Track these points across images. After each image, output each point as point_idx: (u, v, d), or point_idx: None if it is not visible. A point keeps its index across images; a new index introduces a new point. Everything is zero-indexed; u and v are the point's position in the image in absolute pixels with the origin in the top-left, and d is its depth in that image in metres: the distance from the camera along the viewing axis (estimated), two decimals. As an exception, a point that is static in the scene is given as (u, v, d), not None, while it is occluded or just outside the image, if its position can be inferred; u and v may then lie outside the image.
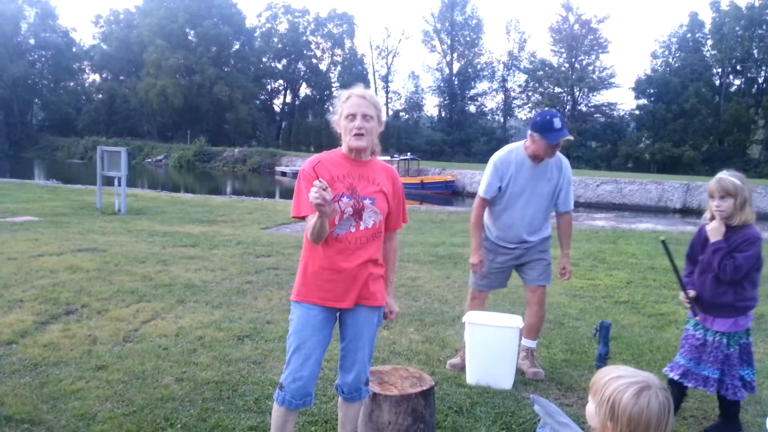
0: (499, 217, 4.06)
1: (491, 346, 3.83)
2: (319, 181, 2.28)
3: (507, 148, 4.06)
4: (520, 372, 4.04)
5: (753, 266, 2.98)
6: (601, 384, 1.59)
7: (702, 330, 3.10)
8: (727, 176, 2.92)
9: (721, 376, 3.04)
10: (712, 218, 3.00)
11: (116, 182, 12.92)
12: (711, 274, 2.99)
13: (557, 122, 3.76)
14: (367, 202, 2.58)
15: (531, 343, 4.19)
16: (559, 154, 3.98)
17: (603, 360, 2.76)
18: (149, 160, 52.18)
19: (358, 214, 2.56)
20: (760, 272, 3.09)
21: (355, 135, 2.54)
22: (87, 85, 71.13)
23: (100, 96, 67.03)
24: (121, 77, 66.95)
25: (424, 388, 3.00)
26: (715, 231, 2.93)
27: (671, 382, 3.23)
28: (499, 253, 4.14)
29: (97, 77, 70.53)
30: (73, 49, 67.51)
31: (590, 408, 1.62)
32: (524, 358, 4.14)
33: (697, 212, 17.71)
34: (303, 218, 2.57)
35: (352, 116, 2.55)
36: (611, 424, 1.55)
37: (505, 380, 3.84)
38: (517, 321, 3.94)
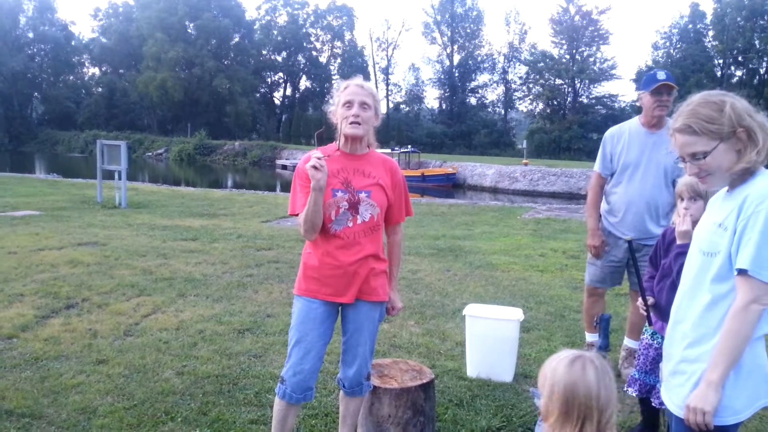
0: (618, 196, 3.80)
1: (491, 338, 3.82)
2: (318, 151, 2.41)
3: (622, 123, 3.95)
4: (520, 365, 4.04)
5: None
6: (541, 371, 1.61)
7: (660, 339, 2.87)
8: None
9: None
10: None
11: (116, 176, 12.90)
12: (670, 279, 2.79)
13: (661, 74, 3.55)
14: (362, 195, 2.56)
15: (633, 344, 3.90)
16: None
17: (603, 352, 2.73)
18: (149, 153, 52.13)
19: (354, 207, 2.55)
20: None
21: (352, 123, 2.52)
22: (86, 78, 71.03)
23: (100, 89, 66.90)
24: (121, 70, 66.79)
25: (424, 381, 3.00)
26: (684, 234, 2.74)
27: (642, 402, 3.05)
28: (616, 245, 3.86)
29: (96, 71, 70.45)
30: (72, 43, 67.39)
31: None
32: (624, 359, 3.97)
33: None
34: (298, 215, 2.57)
35: (350, 104, 2.53)
36: (550, 401, 1.55)
37: (505, 373, 3.84)
38: (517, 313, 3.93)
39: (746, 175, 1.78)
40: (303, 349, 2.58)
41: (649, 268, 3.05)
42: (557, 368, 1.55)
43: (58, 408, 3.31)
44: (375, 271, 2.64)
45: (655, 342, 2.95)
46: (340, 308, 2.69)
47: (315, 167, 2.36)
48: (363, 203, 2.56)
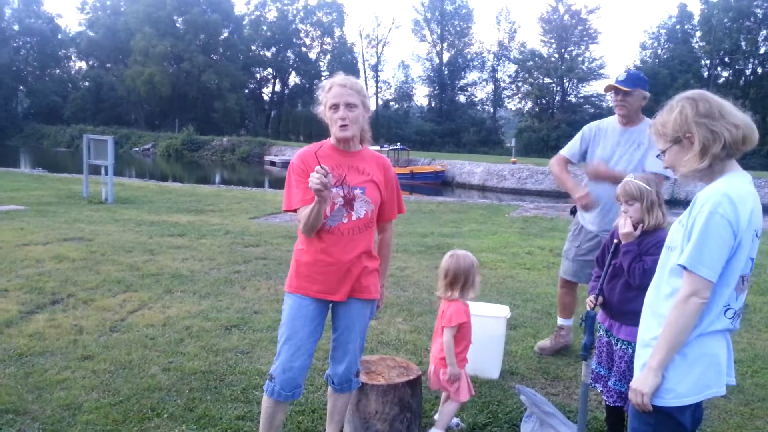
0: (591, 189, 3.87)
1: (478, 335, 3.83)
2: (321, 167, 2.29)
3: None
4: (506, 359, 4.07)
5: None
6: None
7: (612, 336, 2.91)
8: (633, 180, 2.80)
9: (627, 390, 2.75)
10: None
11: (103, 171, 12.79)
12: (622, 279, 2.83)
13: (621, 75, 3.75)
14: (357, 191, 2.56)
15: (564, 322, 4.35)
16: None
17: (588, 350, 2.75)
18: (137, 148, 51.69)
19: (349, 204, 2.55)
20: None
21: (340, 126, 2.52)
22: (73, 72, 70.18)
23: (87, 83, 66.18)
24: (108, 65, 66.14)
25: (411, 377, 3.02)
26: (627, 235, 2.78)
27: (608, 408, 3.01)
28: (586, 239, 4.01)
29: (83, 64, 69.70)
30: (59, 36, 66.55)
31: None
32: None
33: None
34: (295, 211, 2.56)
35: (335, 107, 2.52)
36: (442, 273, 3.08)
37: (492, 370, 3.86)
38: (504, 311, 3.95)
39: (714, 175, 1.89)
40: (293, 346, 2.58)
41: (596, 268, 3.08)
42: (444, 259, 3.08)
43: (43, 404, 3.29)
44: (367, 270, 2.64)
45: (609, 338, 2.95)
46: (330, 305, 2.69)
47: (318, 189, 2.28)
48: (358, 200, 2.56)
